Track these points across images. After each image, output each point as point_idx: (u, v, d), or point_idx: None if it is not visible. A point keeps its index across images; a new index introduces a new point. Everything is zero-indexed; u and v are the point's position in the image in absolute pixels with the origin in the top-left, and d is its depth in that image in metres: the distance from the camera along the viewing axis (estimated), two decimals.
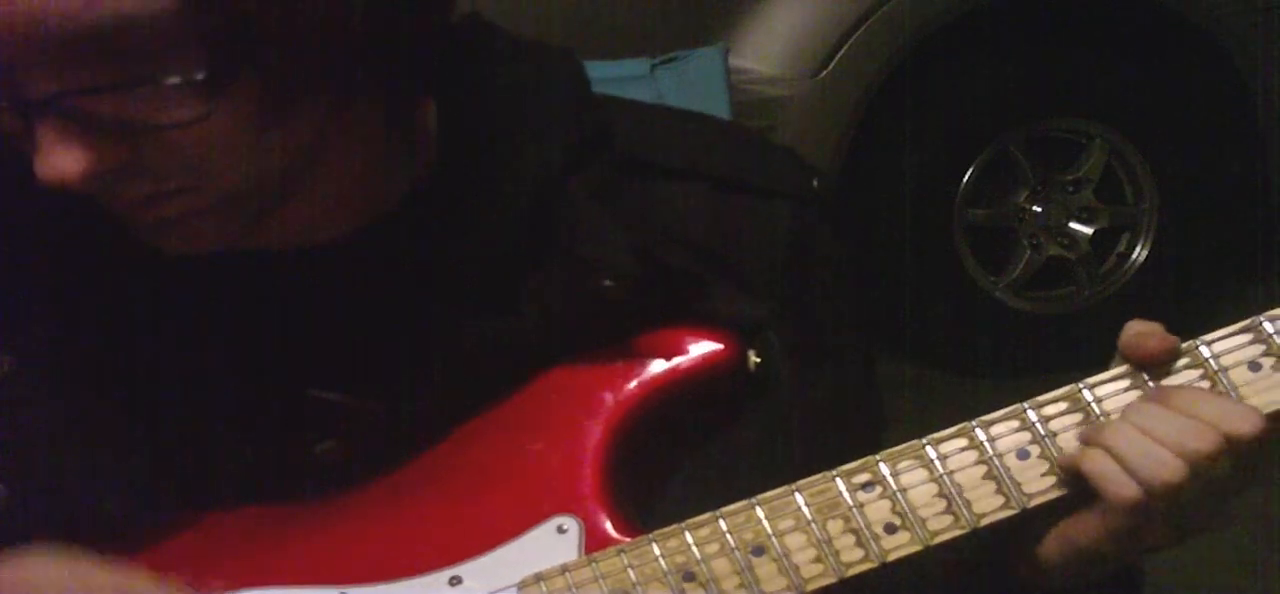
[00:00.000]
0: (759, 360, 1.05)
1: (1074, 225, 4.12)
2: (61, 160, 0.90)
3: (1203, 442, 0.95)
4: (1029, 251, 4.12)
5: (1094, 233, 4.12)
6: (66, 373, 0.99)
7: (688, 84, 2.64)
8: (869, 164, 3.86)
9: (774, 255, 1.09)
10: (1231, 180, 4.08)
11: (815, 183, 1.13)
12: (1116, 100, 4.04)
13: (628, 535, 1.00)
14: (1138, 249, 4.14)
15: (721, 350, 1.04)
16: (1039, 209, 4.10)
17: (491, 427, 1.04)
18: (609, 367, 1.03)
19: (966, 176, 4.00)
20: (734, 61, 3.13)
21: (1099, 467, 0.97)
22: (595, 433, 1.02)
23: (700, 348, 1.04)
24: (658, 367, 1.03)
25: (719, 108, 2.68)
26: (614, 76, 2.60)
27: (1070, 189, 4.11)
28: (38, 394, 0.99)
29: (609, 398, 1.03)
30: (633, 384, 1.03)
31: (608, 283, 1.02)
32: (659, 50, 2.70)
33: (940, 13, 3.79)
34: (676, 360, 1.03)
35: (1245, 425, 0.96)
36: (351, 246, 1.02)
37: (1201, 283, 4.02)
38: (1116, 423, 0.98)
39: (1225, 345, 1.01)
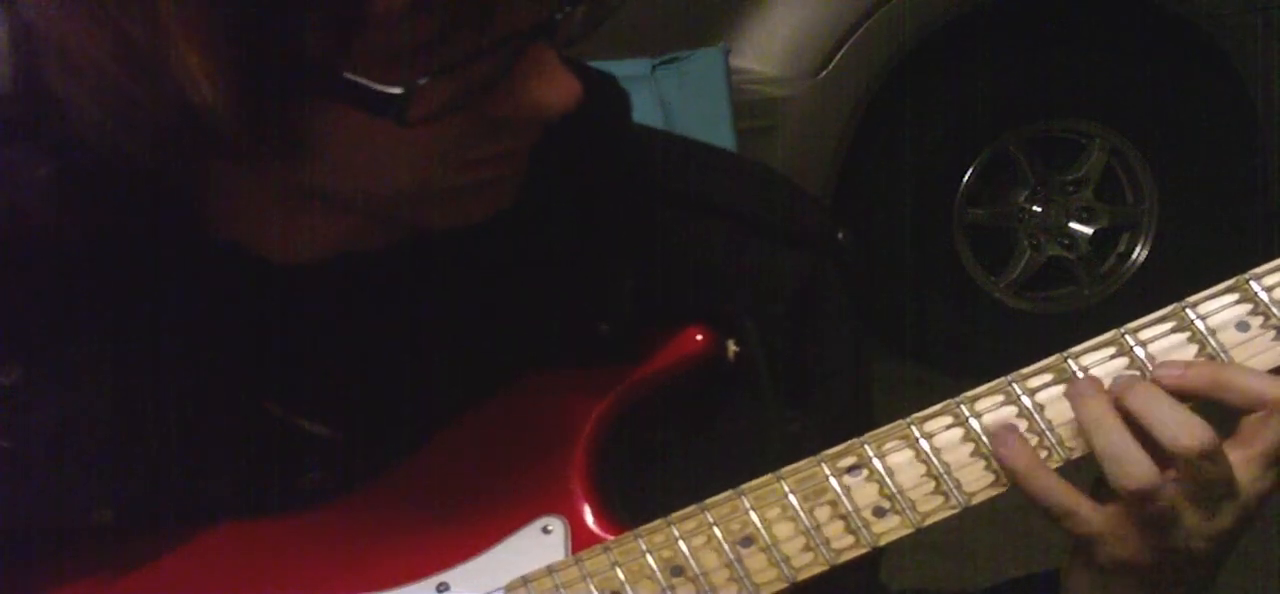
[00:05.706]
0: (738, 349, 1.03)
1: (1074, 225, 4.13)
2: (569, 82, 0.88)
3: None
4: (1029, 251, 4.12)
5: (1094, 233, 4.12)
6: (71, 383, 0.98)
7: (688, 84, 2.64)
8: (869, 164, 3.86)
9: (780, 299, 1.07)
10: (1231, 180, 4.08)
11: (840, 235, 1.11)
12: (1116, 100, 4.04)
13: (613, 532, 0.99)
14: (1138, 249, 4.14)
15: (700, 342, 1.02)
16: (1039, 209, 4.10)
17: (473, 430, 1.02)
18: (588, 364, 1.01)
19: (966, 176, 4.01)
20: (734, 61, 3.13)
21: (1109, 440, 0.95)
22: (577, 431, 1.00)
23: (678, 340, 1.02)
24: (637, 362, 1.02)
25: (720, 108, 2.68)
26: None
27: (1070, 189, 4.11)
28: (41, 403, 0.98)
29: (589, 395, 1.01)
30: (612, 381, 1.01)
31: (603, 327, 1.01)
32: (660, 50, 2.70)
33: (940, 13, 3.79)
34: (655, 354, 1.02)
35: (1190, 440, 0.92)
36: (353, 263, 1.00)
37: (1201, 283, 4.01)
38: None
39: (1212, 307, 0.99)
